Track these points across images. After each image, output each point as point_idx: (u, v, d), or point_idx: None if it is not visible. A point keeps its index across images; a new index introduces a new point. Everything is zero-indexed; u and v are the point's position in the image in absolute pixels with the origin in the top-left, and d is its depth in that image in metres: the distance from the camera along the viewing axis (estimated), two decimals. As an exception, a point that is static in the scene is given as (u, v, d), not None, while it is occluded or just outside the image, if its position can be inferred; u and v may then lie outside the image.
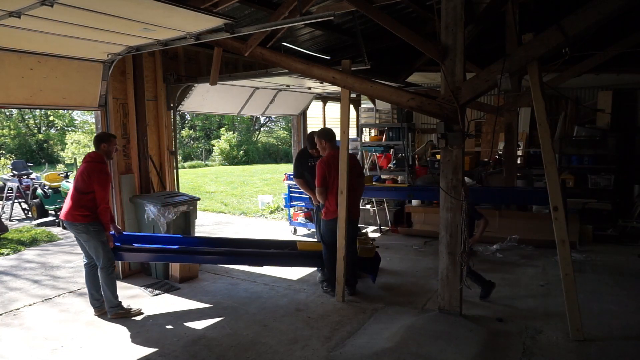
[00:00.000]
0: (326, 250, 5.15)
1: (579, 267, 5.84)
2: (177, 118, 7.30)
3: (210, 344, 4.10)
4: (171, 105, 6.63)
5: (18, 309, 5.07)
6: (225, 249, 5.49)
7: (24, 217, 10.48)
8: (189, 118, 31.68)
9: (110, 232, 4.83)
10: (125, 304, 4.84)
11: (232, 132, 29.96)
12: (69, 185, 9.85)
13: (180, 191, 6.65)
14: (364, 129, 10.29)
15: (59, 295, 5.43)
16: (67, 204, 4.66)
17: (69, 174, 11.13)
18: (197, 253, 5.35)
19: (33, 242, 8.13)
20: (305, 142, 5.94)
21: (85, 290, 5.56)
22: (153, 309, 4.95)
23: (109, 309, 4.73)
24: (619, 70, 7.72)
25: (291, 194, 8.12)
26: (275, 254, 5.39)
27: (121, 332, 4.40)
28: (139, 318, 4.72)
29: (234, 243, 5.91)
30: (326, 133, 5.34)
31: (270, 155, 30.44)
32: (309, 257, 5.42)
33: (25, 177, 10.90)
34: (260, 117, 30.06)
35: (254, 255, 5.34)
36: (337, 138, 5.28)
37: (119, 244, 5.05)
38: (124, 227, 6.02)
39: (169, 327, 4.50)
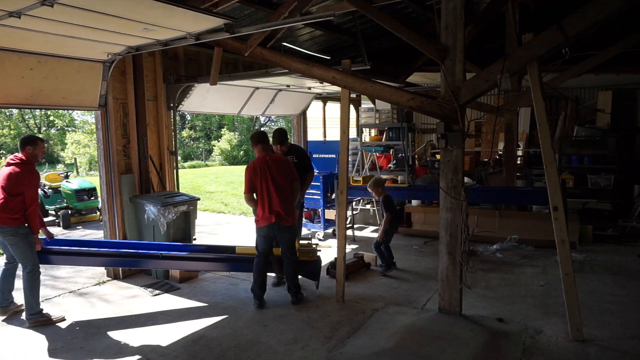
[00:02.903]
0: (256, 257, 4.97)
1: (579, 267, 5.84)
2: (177, 118, 7.30)
3: (210, 344, 4.10)
4: (171, 105, 6.63)
5: (18, 309, 5.07)
6: (152, 252, 5.21)
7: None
8: (189, 118, 31.69)
9: (40, 237, 4.73)
10: (46, 311, 4.73)
11: (232, 132, 29.98)
12: (69, 185, 9.87)
13: (180, 191, 6.65)
14: (364, 129, 10.30)
15: (59, 296, 5.43)
16: None
17: (69, 174, 11.12)
18: (126, 256, 5.19)
19: (33, 242, 8.11)
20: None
21: (85, 290, 5.59)
22: (153, 309, 4.95)
23: (29, 316, 4.55)
24: (619, 70, 7.73)
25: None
26: (209, 257, 5.26)
27: (121, 333, 4.40)
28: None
29: (176, 249, 5.59)
30: (252, 137, 5.10)
31: (271, 155, 30.41)
32: (246, 262, 5.15)
33: (25, 177, 10.86)
34: (260, 117, 30.07)
35: (185, 259, 5.25)
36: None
37: (48, 247, 5.01)
38: (124, 227, 6.03)
39: (169, 327, 4.50)
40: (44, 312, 4.65)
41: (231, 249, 5.51)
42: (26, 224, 4.50)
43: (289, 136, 5.55)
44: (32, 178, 4.49)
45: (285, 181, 4.87)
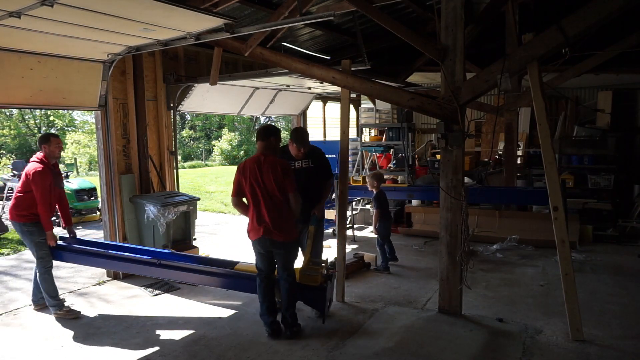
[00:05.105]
0: (257, 277, 4.29)
1: (579, 267, 5.84)
2: (177, 118, 7.30)
3: (210, 344, 4.10)
4: (171, 105, 6.64)
5: (18, 309, 5.07)
6: (158, 260, 4.84)
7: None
8: (189, 118, 31.68)
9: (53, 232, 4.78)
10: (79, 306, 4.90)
11: (233, 132, 29.98)
12: (69, 185, 9.87)
13: (180, 191, 6.65)
14: (364, 129, 10.29)
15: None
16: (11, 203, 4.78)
17: (69, 174, 11.13)
18: (136, 262, 4.98)
19: (33, 242, 8.12)
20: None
21: (85, 290, 5.60)
22: (153, 309, 4.95)
23: (50, 307, 4.78)
24: (619, 70, 7.72)
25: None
26: (212, 272, 4.70)
27: (121, 333, 4.40)
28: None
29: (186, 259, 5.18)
30: (258, 132, 4.35)
31: (270, 155, 30.31)
32: (243, 279, 4.56)
33: (25, 177, 10.88)
34: (260, 117, 30.04)
35: (194, 272, 4.75)
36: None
37: (63, 244, 5.06)
38: (124, 227, 6.03)
39: (169, 327, 4.50)
40: (64, 304, 4.81)
41: (231, 264, 4.89)
42: (34, 222, 4.63)
43: (289, 136, 4.99)
44: (37, 177, 4.56)
45: (277, 189, 4.05)
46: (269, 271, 4.25)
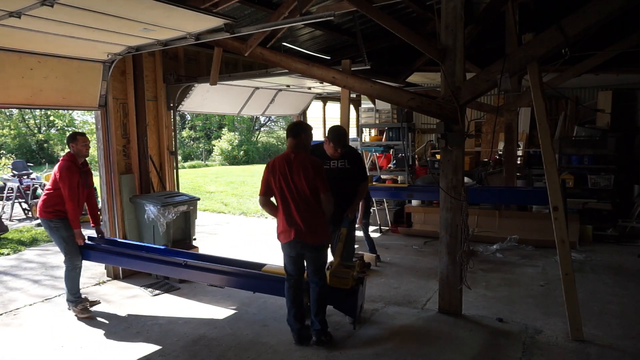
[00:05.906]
0: (285, 281, 4.09)
1: (579, 267, 5.84)
2: (177, 118, 7.30)
3: (210, 344, 4.10)
4: (171, 105, 6.64)
5: (18, 309, 5.07)
6: (187, 261, 4.72)
7: (24, 217, 10.48)
8: (189, 118, 31.65)
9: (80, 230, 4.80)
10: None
11: (233, 132, 29.97)
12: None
13: (180, 191, 6.65)
14: (364, 129, 10.29)
15: (58, 296, 5.43)
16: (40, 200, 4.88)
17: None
18: (163, 262, 4.87)
19: (33, 242, 8.13)
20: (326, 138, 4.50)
21: (85, 290, 5.60)
22: (153, 309, 4.95)
23: (67, 301, 4.89)
24: (619, 70, 7.72)
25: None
26: (241, 273, 4.51)
27: (121, 332, 4.40)
28: (137, 313, 4.73)
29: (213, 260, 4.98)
30: (289, 128, 4.10)
31: (271, 155, 30.33)
32: (274, 282, 4.33)
33: (25, 177, 10.90)
34: (260, 117, 30.05)
35: (223, 273, 4.56)
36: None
37: (91, 243, 5.09)
38: (124, 227, 6.02)
39: (169, 327, 4.50)
40: (81, 299, 4.86)
41: (258, 266, 4.72)
42: (60, 218, 4.69)
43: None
44: (64, 174, 4.63)
45: (308, 189, 3.84)
46: (298, 275, 4.07)
